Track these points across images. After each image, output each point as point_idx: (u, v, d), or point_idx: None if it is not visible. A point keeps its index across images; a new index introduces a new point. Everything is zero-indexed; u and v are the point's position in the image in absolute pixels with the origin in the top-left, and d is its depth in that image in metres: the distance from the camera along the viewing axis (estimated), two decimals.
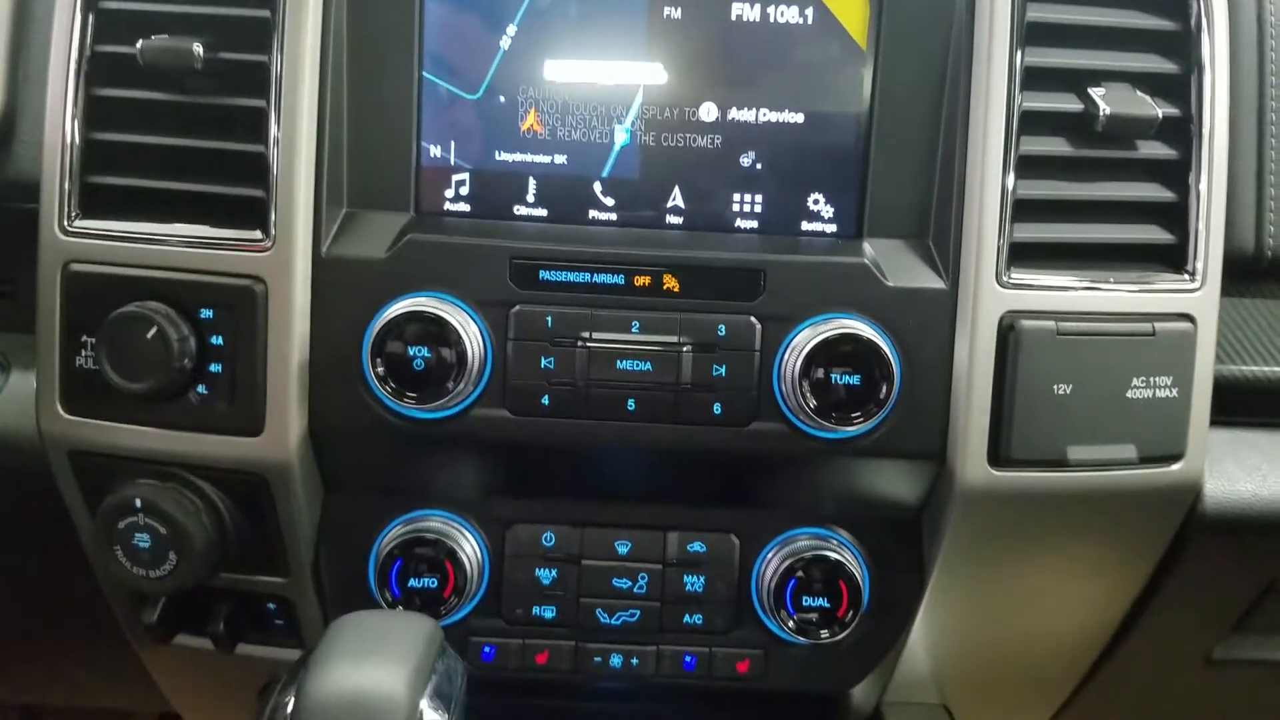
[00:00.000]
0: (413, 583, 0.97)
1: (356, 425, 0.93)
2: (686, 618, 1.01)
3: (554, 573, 1.00)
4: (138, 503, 0.93)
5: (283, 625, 1.05)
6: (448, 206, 0.98)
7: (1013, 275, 0.93)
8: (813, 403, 0.90)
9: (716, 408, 0.92)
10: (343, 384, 0.92)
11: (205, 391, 0.93)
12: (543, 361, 0.91)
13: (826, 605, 0.98)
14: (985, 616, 1.09)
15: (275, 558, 1.00)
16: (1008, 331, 0.92)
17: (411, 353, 0.89)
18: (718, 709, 1.16)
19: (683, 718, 1.17)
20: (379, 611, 0.88)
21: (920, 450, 0.95)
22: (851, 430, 0.91)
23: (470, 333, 0.90)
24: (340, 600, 1.00)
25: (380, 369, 0.89)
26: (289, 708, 0.74)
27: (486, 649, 1.02)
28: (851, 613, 0.98)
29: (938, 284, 0.94)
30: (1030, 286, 0.93)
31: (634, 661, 1.02)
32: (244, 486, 0.96)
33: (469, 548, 0.99)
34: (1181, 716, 1.43)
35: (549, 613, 1.01)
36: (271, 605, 1.05)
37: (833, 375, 0.90)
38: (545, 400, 0.92)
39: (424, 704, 0.73)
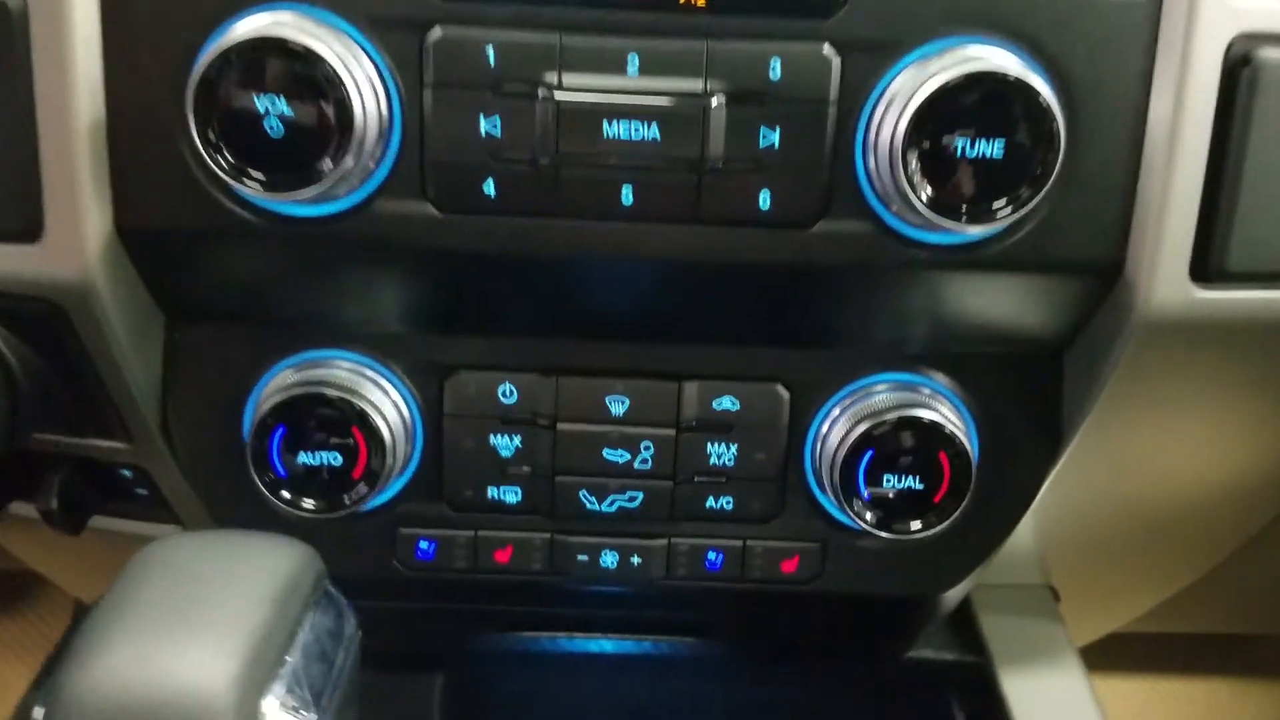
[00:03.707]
0: (304, 458, 0.75)
1: (188, 225, 0.70)
2: (710, 501, 0.81)
3: (516, 440, 0.79)
4: None
5: (148, 496, 0.89)
6: None
7: None
8: (926, 191, 0.65)
9: (764, 198, 0.69)
10: (160, 159, 0.68)
11: None
12: (483, 124, 0.67)
13: (918, 487, 0.77)
14: (1127, 481, 0.92)
15: (104, 415, 0.80)
16: (1238, 67, 0.68)
17: (261, 107, 0.63)
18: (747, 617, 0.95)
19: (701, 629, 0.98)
20: (209, 536, 0.66)
21: (1085, 258, 0.72)
22: (982, 229, 0.67)
23: (360, 76, 0.64)
24: (202, 478, 0.81)
25: (212, 135, 0.63)
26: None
27: (423, 544, 0.82)
28: (953, 496, 0.77)
29: None
30: None
31: (634, 560, 0.82)
32: (31, 316, 0.74)
33: (390, 406, 0.77)
34: None
35: (511, 496, 0.80)
36: (126, 472, 0.88)
37: (957, 141, 0.64)
38: (489, 187, 0.68)
39: (268, 703, 0.52)
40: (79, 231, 0.68)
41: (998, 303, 0.77)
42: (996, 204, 0.65)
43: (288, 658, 0.52)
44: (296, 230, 0.68)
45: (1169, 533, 1.00)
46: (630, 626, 0.97)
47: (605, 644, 0.97)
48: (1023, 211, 0.66)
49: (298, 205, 0.66)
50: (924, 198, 0.65)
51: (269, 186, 0.63)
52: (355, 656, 0.56)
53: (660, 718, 0.99)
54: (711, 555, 0.83)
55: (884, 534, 0.78)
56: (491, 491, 0.81)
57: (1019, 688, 0.94)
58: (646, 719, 0.99)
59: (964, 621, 0.99)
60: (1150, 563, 1.07)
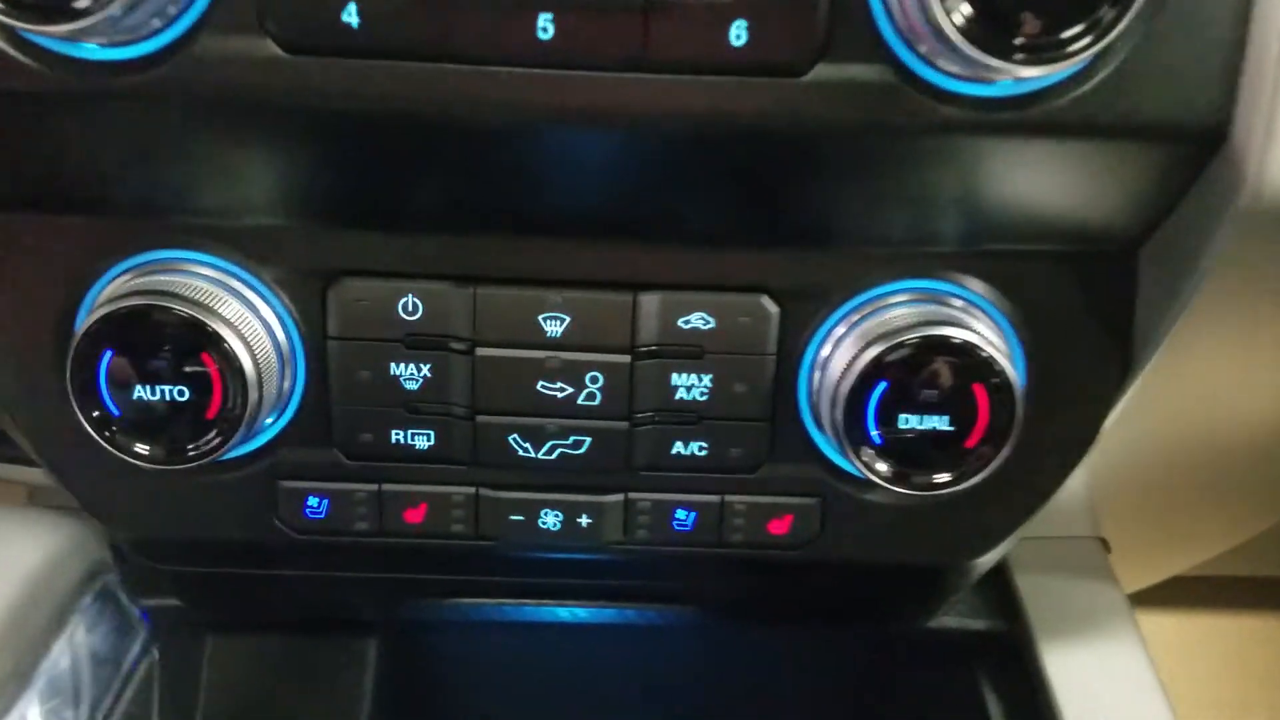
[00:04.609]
0: (141, 392, 0.60)
1: None
2: (678, 447, 0.69)
3: (425, 369, 0.66)
4: None
5: None
6: None
7: None
8: (964, 12, 0.49)
9: (737, 31, 0.54)
10: None
11: None
12: None
13: (946, 427, 0.64)
14: (1203, 412, 0.81)
15: None
16: None
17: None
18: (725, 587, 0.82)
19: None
20: None
21: (1177, 119, 0.59)
22: (1045, 71, 0.52)
23: None
24: (25, 412, 0.68)
25: None
26: None
27: (312, 501, 0.68)
28: (991, 440, 0.64)
29: None
30: None
31: (582, 520, 0.70)
32: None
33: (256, 324, 0.63)
34: None
35: (422, 440, 0.67)
36: None
37: None
38: (349, 15, 0.53)
39: None
40: None
41: (1056, 182, 0.63)
42: (1068, 32, 0.49)
43: (22, 697, 0.37)
44: (96, 82, 0.52)
45: (1244, 477, 0.87)
46: (590, 593, 0.83)
47: (560, 612, 0.83)
48: (1105, 42, 0.49)
49: (94, 46, 0.50)
50: (961, 24, 0.49)
51: (45, 18, 0.47)
52: (146, 686, 0.40)
53: (626, 694, 0.86)
54: (681, 514, 0.71)
55: (899, 489, 0.65)
56: (395, 435, 0.67)
57: (1063, 662, 0.82)
58: (610, 696, 0.86)
59: (996, 582, 0.86)
60: (1217, 511, 0.95)
